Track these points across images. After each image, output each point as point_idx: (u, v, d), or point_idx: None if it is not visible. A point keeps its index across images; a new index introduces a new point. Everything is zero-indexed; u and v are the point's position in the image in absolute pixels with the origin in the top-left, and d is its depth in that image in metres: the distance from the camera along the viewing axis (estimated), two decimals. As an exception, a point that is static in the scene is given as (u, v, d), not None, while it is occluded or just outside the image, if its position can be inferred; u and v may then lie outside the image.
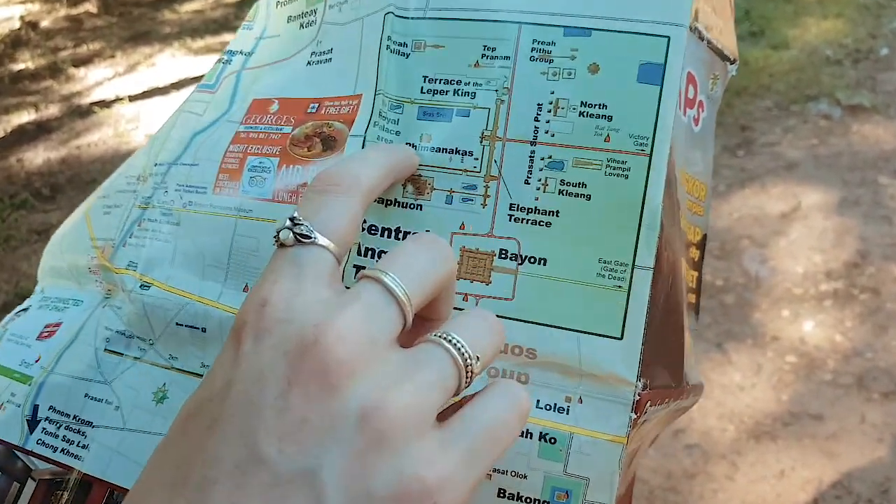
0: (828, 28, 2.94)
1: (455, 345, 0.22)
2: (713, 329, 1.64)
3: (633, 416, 0.28)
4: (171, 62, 3.53)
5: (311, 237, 0.23)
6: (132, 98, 3.17)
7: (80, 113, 3.13)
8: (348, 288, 0.23)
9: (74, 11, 4.27)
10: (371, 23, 0.31)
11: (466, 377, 0.23)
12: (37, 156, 2.83)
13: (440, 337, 0.23)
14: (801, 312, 1.66)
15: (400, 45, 0.30)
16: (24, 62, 3.68)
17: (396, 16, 0.30)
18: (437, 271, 0.24)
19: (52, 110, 3.19)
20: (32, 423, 0.33)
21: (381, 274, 0.23)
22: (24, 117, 3.14)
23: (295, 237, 0.23)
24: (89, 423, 0.33)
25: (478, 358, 0.23)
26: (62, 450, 0.33)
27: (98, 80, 3.45)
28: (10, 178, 2.69)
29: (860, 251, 1.80)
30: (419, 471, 0.20)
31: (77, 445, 0.33)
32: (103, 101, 3.20)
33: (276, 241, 0.24)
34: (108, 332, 0.34)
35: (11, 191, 2.58)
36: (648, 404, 0.29)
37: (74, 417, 0.33)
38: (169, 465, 0.21)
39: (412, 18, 0.30)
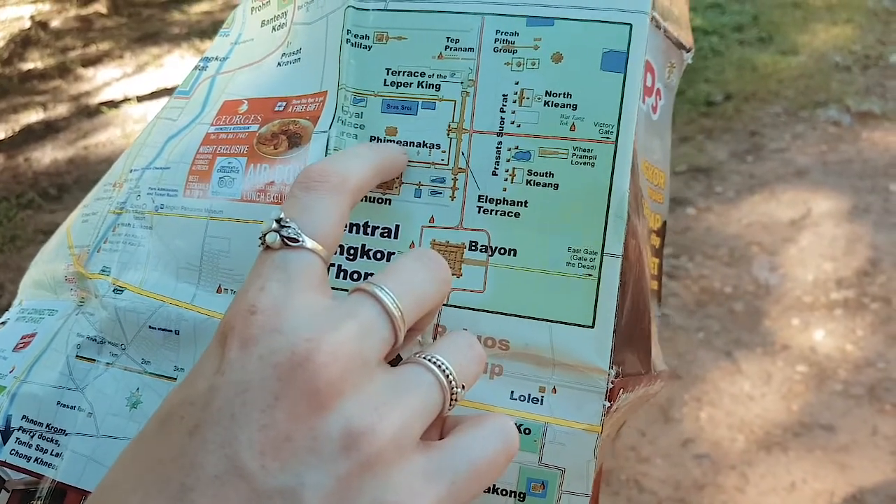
0: (837, 34, 2.92)
1: (444, 371, 0.22)
2: (722, 337, 1.63)
3: (607, 404, 0.28)
4: (179, 63, 3.54)
5: (298, 240, 0.22)
6: (140, 98, 3.17)
7: (89, 113, 3.13)
8: (334, 289, 0.22)
9: (84, 12, 4.28)
10: (334, 19, 0.31)
11: (450, 404, 0.22)
12: (44, 155, 2.83)
13: (428, 360, 0.22)
14: (811, 321, 1.65)
15: (361, 37, 0.30)
16: (34, 62, 3.68)
17: (355, 8, 0.30)
18: (435, 291, 0.24)
19: (61, 110, 3.19)
20: (5, 433, 0.33)
21: (377, 290, 0.22)
22: (33, 117, 3.14)
23: (282, 240, 0.22)
24: (62, 431, 0.32)
25: (463, 386, 0.23)
26: (35, 459, 0.32)
27: (106, 80, 3.45)
28: (17, 177, 2.69)
29: (871, 259, 1.78)
30: (402, 501, 0.20)
31: (50, 454, 0.32)
32: (111, 101, 3.20)
33: (261, 244, 0.23)
34: (79, 338, 0.33)
35: (18, 190, 2.58)
36: (621, 391, 0.29)
37: (47, 426, 0.33)
38: (143, 464, 0.21)
39: (373, 10, 0.30)
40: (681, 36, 0.35)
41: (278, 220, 0.23)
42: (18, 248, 2.26)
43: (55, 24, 4.15)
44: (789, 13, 3.15)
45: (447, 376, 0.22)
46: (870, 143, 2.22)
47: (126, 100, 3.18)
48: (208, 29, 3.87)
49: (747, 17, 3.15)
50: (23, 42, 3.84)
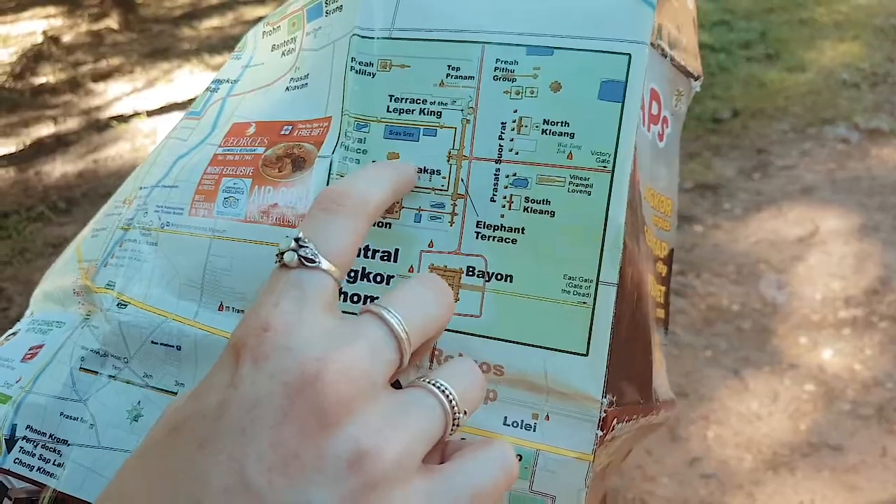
0: (844, 51, 2.93)
1: (447, 396, 0.23)
2: (730, 355, 1.62)
3: (600, 433, 0.28)
4: (188, 78, 3.57)
5: (315, 261, 0.23)
6: (150, 113, 3.20)
7: (99, 127, 3.16)
8: (345, 312, 0.23)
9: (96, 27, 4.33)
10: (340, 47, 0.32)
11: (452, 429, 0.23)
12: (54, 169, 2.86)
13: (432, 385, 0.23)
14: (819, 340, 1.64)
15: (365, 65, 0.30)
16: (45, 76, 3.72)
17: (361, 37, 0.30)
18: (439, 316, 0.24)
19: (71, 124, 3.22)
20: (10, 442, 0.33)
21: (385, 312, 0.23)
22: (43, 131, 3.17)
23: (299, 259, 0.23)
24: (65, 442, 0.33)
25: (465, 412, 0.23)
26: (38, 468, 0.33)
27: (117, 94, 3.49)
28: (27, 190, 2.71)
29: (880, 278, 1.77)
30: None
31: (52, 464, 0.33)
32: (121, 115, 3.23)
33: (278, 261, 0.23)
34: (83, 351, 0.34)
35: (28, 203, 2.60)
36: (615, 421, 0.28)
37: (51, 436, 0.33)
38: (152, 474, 0.21)
39: (378, 39, 0.30)
40: (688, 64, 0.35)
41: (297, 240, 0.23)
42: (28, 260, 2.27)
43: (67, 39, 4.20)
44: (796, 30, 3.16)
45: (450, 401, 0.23)
46: (878, 160, 2.22)
47: (136, 114, 3.21)
48: (218, 45, 3.90)
49: (754, 33, 3.16)
50: (35, 57, 3.88)
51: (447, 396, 0.23)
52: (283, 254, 0.23)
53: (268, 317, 0.22)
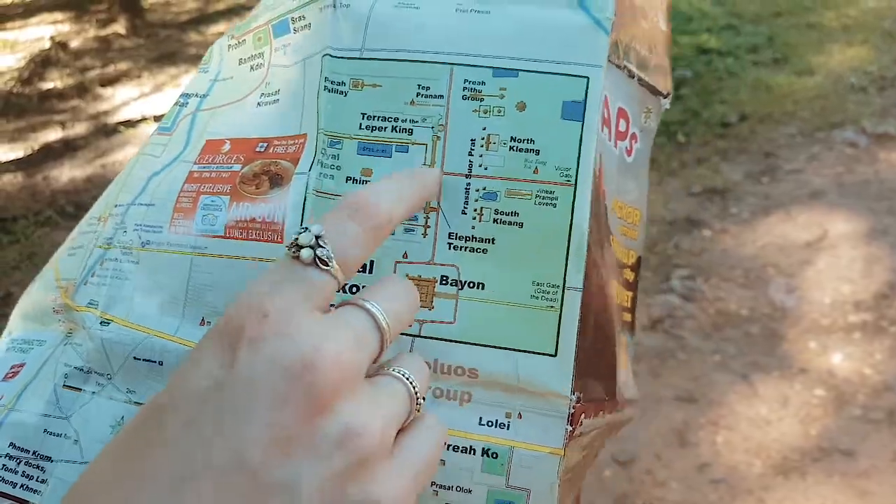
0: (852, 55, 2.92)
1: (412, 384, 0.25)
2: (738, 360, 1.62)
3: (569, 428, 0.30)
4: (195, 83, 3.58)
5: (329, 264, 0.24)
6: (157, 118, 3.21)
7: (106, 132, 3.18)
8: (332, 305, 0.24)
9: (103, 32, 4.36)
10: (311, 64, 0.33)
11: (414, 413, 0.25)
12: (62, 174, 2.87)
13: (401, 375, 0.25)
14: (829, 344, 1.63)
15: (337, 84, 0.31)
16: (53, 81, 3.75)
17: (333, 56, 0.32)
18: (408, 314, 0.26)
19: (79, 129, 3.24)
20: None
21: (369, 304, 0.24)
22: (51, 136, 3.19)
23: (315, 258, 0.24)
24: (48, 458, 0.33)
25: (423, 398, 0.26)
26: (21, 485, 0.33)
27: (124, 99, 3.51)
28: (36, 195, 2.73)
29: (889, 282, 1.76)
30: (384, 494, 0.22)
31: (36, 480, 0.33)
32: (129, 120, 3.25)
33: (292, 251, 0.24)
34: (67, 368, 0.34)
35: (36, 208, 2.61)
36: (583, 416, 0.30)
37: (34, 453, 0.33)
38: (129, 455, 0.22)
39: (348, 59, 0.31)
40: (658, 83, 0.37)
41: (318, 237, 0.24)
42: (36, 265, 2.28)
43: (74, 44, 4.22)
44: (804, 34, 3.16)
45: (414, 388, 0.25)
46: (887, 164, 2.21)
47: (143, 119, 3.23)
48: (225, 49, 3.92)
49: (762, 38, 3.15)
50: (43, 62, 3.90)
51: (412, 384, 0.25)
52: (300, 247, 0.24)
53: (269, 306, 0.22)
